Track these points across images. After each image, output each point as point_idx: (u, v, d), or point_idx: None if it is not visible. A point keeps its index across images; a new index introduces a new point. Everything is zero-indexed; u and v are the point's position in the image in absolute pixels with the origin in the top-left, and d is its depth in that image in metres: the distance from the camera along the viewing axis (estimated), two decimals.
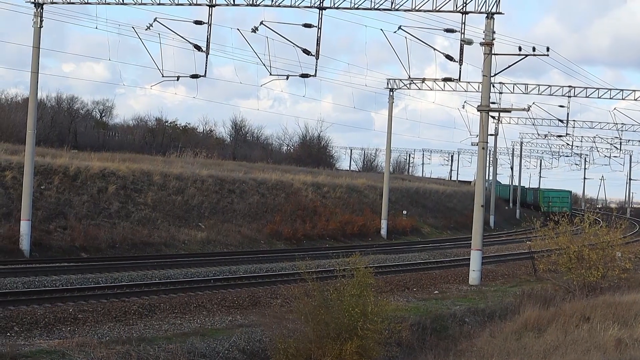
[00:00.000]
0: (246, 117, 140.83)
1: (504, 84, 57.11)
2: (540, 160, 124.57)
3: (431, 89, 55.08)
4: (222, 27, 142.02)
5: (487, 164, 67.20)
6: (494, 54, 33.67)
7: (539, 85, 57.28)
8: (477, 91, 49.85)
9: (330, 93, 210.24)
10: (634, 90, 55.64)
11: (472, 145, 64.94)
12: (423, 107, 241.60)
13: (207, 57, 35.22)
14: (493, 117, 44.67)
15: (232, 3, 34.79)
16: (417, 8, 34.08)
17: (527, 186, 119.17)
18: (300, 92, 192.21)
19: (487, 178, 52.85)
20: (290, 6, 34.70)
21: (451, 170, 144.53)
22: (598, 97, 56.33)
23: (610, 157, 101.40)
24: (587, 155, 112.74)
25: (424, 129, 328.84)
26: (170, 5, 35.15)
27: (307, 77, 35.76)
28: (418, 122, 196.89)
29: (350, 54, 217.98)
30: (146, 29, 34.74)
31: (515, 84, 56.97)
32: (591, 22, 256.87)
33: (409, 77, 43.16)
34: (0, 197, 39.23)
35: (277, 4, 34.82)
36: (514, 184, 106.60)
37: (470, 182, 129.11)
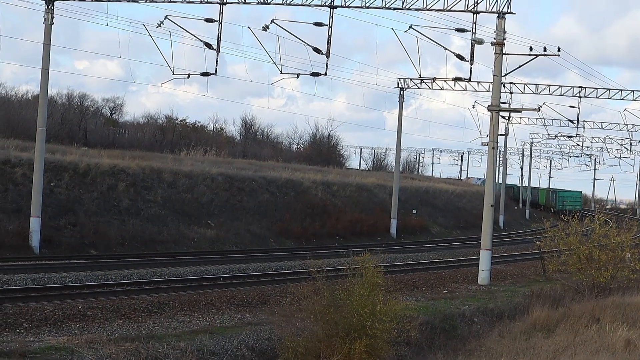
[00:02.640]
0: (257, 115, 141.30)
1: (514, 84, 57.01)
2: (550, 160, 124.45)
3: (442, 89, 55.06)
4: (236, 26, 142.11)
5: (497, 164, 67.10)
6: (505, 54, 33.60)
7: (549, 85, 57.17)
8: (487, 91, 49.77)
9: (344, 92, 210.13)
10: None
11: (482, 145, 64.62)
12: (436, 107, 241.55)
13: (217, 55, 35.30)
14: (503, 117, 44.48)
15: (243, 1, 34.78)
16: (428, 7, 34.08)
17: (533, 186, 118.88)
18: (313, 91, 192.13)
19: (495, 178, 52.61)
20: (302, 4, 34.71)
21: (461, 169, 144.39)
22: (609, 98, 56.13)
23: (620, 158, 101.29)
24: (597, 156, 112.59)
25: (435, 128, 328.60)
26: (181, 3, 35.20)
27: (318, 75, 35.76)
28: (429, 121, 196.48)
29: (366, 53, 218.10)
30: (157, 27, 34.82)
31: (526, 84, 56.87)
32: (609, 23, 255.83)
33: (420, 77, 43.10)
34: (10, 193, 39.36)
35: (287, 2, 34.80)
36: (524, 184, 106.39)
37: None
